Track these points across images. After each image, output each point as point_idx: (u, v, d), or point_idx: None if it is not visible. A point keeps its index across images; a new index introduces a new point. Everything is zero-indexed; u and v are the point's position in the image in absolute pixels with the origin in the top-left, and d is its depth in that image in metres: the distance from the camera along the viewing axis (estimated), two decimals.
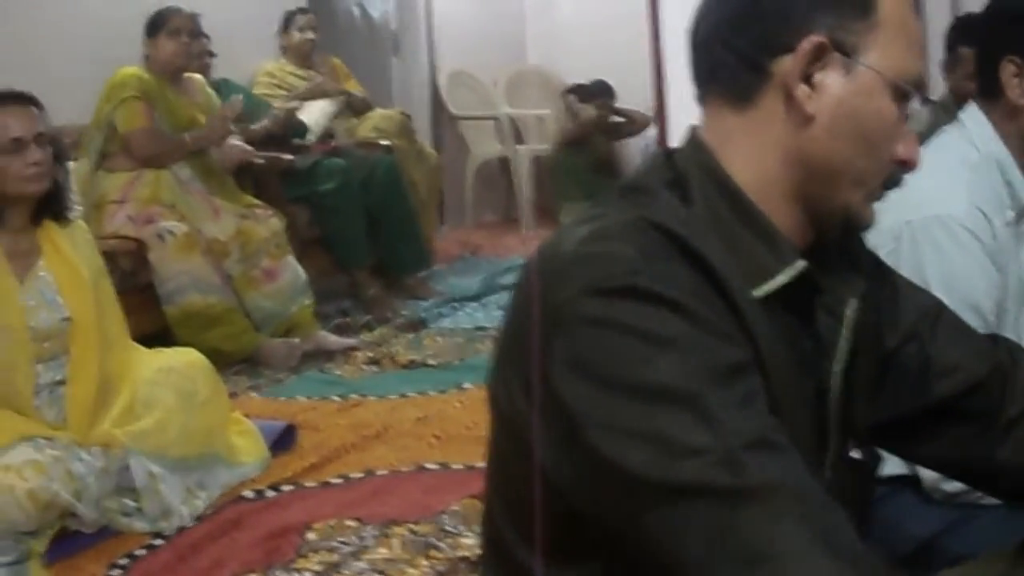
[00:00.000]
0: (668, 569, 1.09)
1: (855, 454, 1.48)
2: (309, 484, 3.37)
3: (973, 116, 2.14)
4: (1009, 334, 1.93)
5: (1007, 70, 2.05)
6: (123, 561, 2.89)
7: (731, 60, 1.30)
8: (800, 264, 1.27)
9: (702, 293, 1.17)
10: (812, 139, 1.28)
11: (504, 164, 8.98)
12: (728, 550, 1.05)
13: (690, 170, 1.31)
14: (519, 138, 9.04)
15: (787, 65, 1.27)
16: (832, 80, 1.27)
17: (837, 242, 1.39)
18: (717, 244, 1.24)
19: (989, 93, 2.10)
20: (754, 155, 1.31)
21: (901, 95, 1.28)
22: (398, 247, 6.13)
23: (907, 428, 1.50)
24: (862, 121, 1.28)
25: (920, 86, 1.30)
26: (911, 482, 1.96)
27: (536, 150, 8.82)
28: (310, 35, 6.43)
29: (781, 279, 1.26)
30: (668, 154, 1.34)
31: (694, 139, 1.33)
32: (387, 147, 6.34)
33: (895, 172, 1.31)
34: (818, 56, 1.27)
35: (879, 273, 1.51)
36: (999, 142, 2.08)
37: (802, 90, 1.27)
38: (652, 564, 1.10)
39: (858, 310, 1.37)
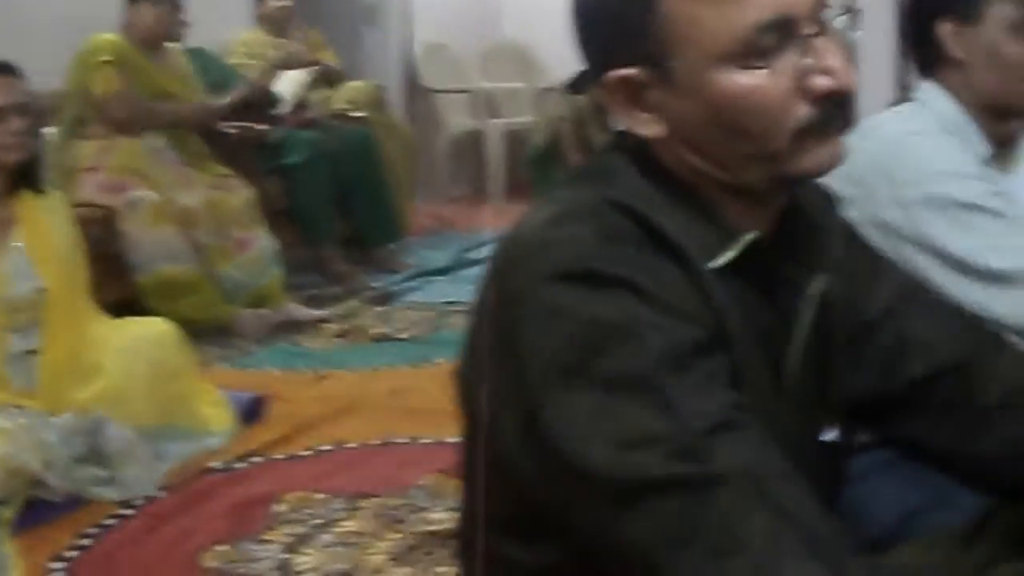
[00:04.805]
0: (636, 563, 1.08)
1: (830, 434, 1.47)
2: (278, 456, 3.39)
3: (930, 92, 2.13)
4: None
5: (944, 30, 2.07)
6: (92, 531, 2.88)
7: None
8: (749, 236, 1.23)
9: (662, 270, 1.16)
10: (684, 149, 1.24)
11: (477, 138, 8.98)
12: (696, 541, 1.04)
13: (627, 155, 1.27)
14: (493, 112, 9.05)
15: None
16: (660, 96, 1.21)
17: (805, 217, 1.35)
18: (673, 220, 1.21)
19: (933, 63, 2.12)
20: (660, 155, 1.27)
21: (749, 55, 1.16)
22: (370, 219, 6.16)
23: (881, 408, 1.45)
24: (714, 117, 1.19)
25: (770, 26, 1.15)
26: (888, 460, 1.86)
27: (510, 124, 8.82)
28: (286, 2, 6.38)
29: (731, 253, 1.22)
30: (622, 134, 1.30)
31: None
32: (361, 119, 6.34)
33: (824, 110, 1.19)
34: (628, 87, 1.22)
35: (854, 247, 1.47)
36: (962, 114, 2.09)
37: (637, 118, 1.23)
38: (618, 556, 1.10)
39: (824, 286, 1.33)
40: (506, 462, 1.20)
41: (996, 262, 1.91)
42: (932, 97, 2.12)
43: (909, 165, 2.01)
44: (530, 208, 1.25)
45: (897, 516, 1.82)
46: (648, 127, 1.23)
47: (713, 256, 1.21)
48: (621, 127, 1.25)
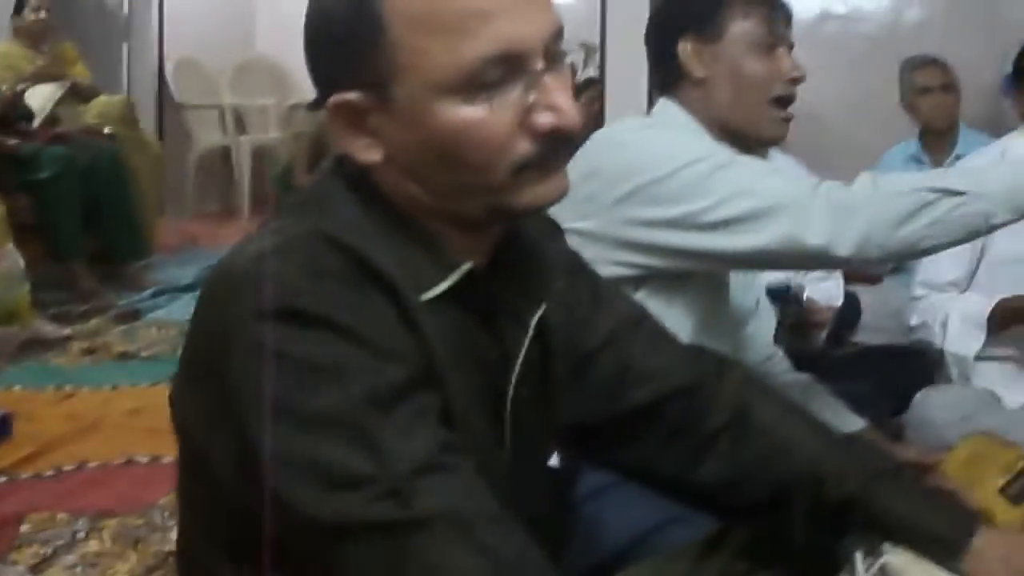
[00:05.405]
0: None
1: (553, 460, 1.51)
2: (24, 475, 3.38)
3: (668, 108, 2.16)
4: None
5: (685, 48, 2.11)
6: None
7: None
8: (464, 267, 1.23)
9: (370, 306, 1.13)
10: (402, 177, 1.23)
11: (226, 154, 8.97)
12: None
13: (346, 181, 1.26)
14: (242, 128, 9.06)
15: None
16: (381, 122, 1.20)
17: (527, 247, 1.36)
18: (388, 252, 1.18)
19: (674, 81, 2.15)
20: (379, 182, 1.25)
21: (473, 87, 1.15)
22: (117, 236, 6.15)
23: (603, 434, 1.48)
24: (433, 147, 1.18)
25: (496, 60, 1.14)
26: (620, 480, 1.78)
27: (259, 140, 8.85)
28: (42, 15, 6.33)
29: (445, 284, 1.21)
30: (341, 161, 1.28)
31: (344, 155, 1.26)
32: (110, 135, 6.34)
33: (546, 146, 1.18)
34: (349, 111, 1.20)
35: (577, 277, 1.48)
36: (700, 129, 2.12)
37: (356, 143, 1.21)
38: None
39: (544, 317, 1.33)
40: (220, 491, 1.19)
41: (748, 204, 1.91)
42: (669, 111, 2.16)
43: (647, 152, 2.01)
44: (245, 238, 1.24)
45: (632, 534, 1.84)
46: (367, 153, 1.21)
47: (429, 287, 1.20)
48: (342, 151, 1.23)
